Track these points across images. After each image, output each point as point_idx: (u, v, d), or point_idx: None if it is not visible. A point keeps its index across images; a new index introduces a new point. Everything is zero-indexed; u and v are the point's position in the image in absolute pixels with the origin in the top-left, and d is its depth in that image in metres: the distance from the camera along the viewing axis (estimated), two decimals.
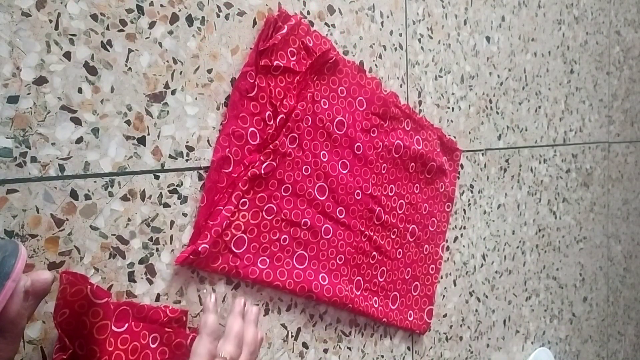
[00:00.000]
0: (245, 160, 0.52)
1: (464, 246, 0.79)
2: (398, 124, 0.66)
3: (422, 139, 0.69)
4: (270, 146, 0.54)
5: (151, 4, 0.47)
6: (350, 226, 0.62)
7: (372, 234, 0.64)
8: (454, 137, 0.76)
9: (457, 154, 0.76)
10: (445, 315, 0.76)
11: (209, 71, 0.51)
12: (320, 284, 0.59)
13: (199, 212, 0.50)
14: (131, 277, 0.47)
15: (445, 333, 0.77)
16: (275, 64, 0.54)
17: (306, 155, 0.57)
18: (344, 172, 0.61)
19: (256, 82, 0.52)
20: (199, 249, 0.49)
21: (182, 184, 0.50)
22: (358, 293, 0.63)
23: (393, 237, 0.67)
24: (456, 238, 0.78)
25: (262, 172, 0.53)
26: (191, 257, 0.49)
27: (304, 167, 0.57)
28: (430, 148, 0.70)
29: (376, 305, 0.65)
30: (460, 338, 0.79)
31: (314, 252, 0.59)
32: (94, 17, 0.44)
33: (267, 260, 0.55)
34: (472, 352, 0.82)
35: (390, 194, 0.66)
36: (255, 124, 0.53)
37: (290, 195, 0.56)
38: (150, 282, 0.48)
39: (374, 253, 0.65)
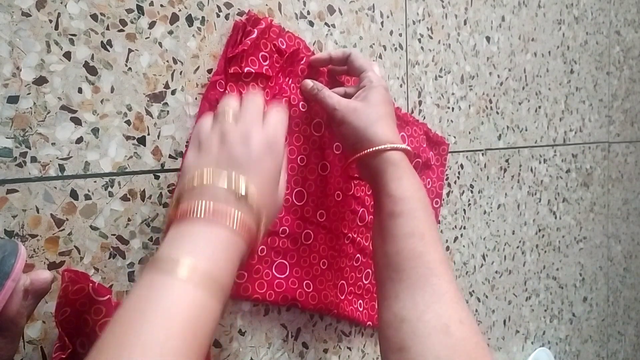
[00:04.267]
0: None
1: (464, 246, 0.79)
2: None
3: (407, 136, 0.67)
4: None
5: (151, 4, 0.47)
6: (331, 229, 0.59)
7: (355, 235, 0.62)
8: (454, 137, 0.76)
9: (444, 148, 0.73)
10: None
11: (209, 71, 0.51)
12: (305, 292, 0.57)
13: (166, 226, 0.47)
14: (131, 277, 0.47)
15: None
16: (246, 71, 0.51)
17: None
18: (324, 174, 0.58)
19: (227, 91, 0.50)
20: None
21: None
22: (342, 297, 0.61)
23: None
24: (456, 238, 0.78)
25: None
26: None
27: None
28: (416, 144, 0.68)
29: (361, 309, 0.63)
30: None
31: (295, 260, 0.57)
32: (94, 17, 0.44)
33: (245, 274, 0.53)
34: None
35: None
36: None
37: None
38: None
39: (358, 255, 0.62)
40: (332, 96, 0.52)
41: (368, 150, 0.49)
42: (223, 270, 0.36)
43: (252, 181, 0.39)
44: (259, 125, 0.43)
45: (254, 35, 0.52)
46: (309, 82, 0.54)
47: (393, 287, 0.44)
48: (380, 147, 0.49)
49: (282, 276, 0.56)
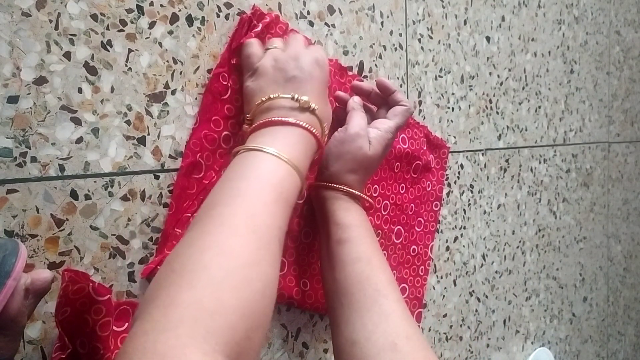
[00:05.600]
0: (216, 165, 0.50)
1: (464, 246, 0.79)
2: None
3: (407, 138, 0.67)
4: None
5: (151, 4, 0.47)
6: None
7: None
8: (454, 137, 0.76)
9: (444, 151, 0.73)
10: (445, 315, 0.76)
11: (209, 71, 0.51)
12: (301, 290, 0.57)
13: (167, 219, 0.48)
14: (131, 277, 0.47)
15: (445, 333, 0.77)
16: None
17: None
18: None
19: (229, 84, 0.50)
20: None
21: None
22: None
23: (377, 239, 0.64)
24: (456, 238, 0.78)
25: None
26: (158, 267, 0.45)
27: None
28: (417, 146, 0.68)
29: None
30: (460, 338, 0.79)
31: (293, 257, 0.57)
32: (94, 17, 0.44)
33: None
34: (472, 352, 0.82)
35: (375, 195, 0.64)
36: (230, 127, 0.51)
37: None
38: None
39: None
40: (363, 118, 0.54)
41: (328, 184, 0.52)
42: (301, 159, 0.42)
43: (309, 95, 0.45)
44: (304, 48, 0.48)
45: (259, 29, 0.52)
46: (357, 100, 0.57)
47: (343, 312, 0.46)
48: (338, 187, 0.52)
49: (280, 273, 0.55)
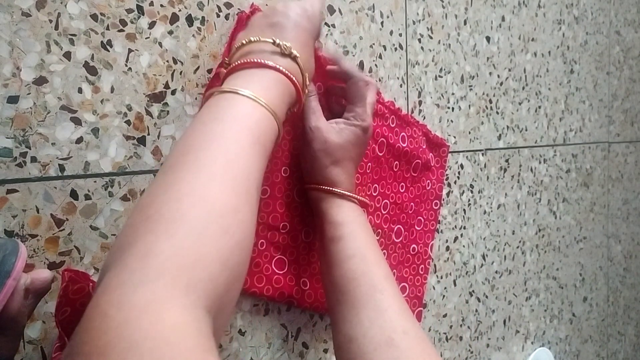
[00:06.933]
0: None
1: (464, 246, 0.79)
2: (383, 120, 0.64)
3: (407, 136, 0.67)
4: None
5: (151, 4, 0.47)
6: None
7: None
8: (454, 137, 0.76)
9: (444, 150, 0.73)
10: (445, 315, 0.76)
11: (209, 71, 0.51)
12: (301, 289, 0.57)
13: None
14: None
15: (445, 333, 0.77)
16: None
17: (286, 156, 0.55)
18: None
19: None
20: None
21: None
22: None
23: (377, 238, 0.64)
24: (456, 238, 0.78)
25: None
26: None
27: (283, 168, 0.55)
28: (416, 145, 0.68)
29: None
30: (460, 338, 0.79)
31: (294, 256, 0.57)
32: (94, 17, 0.44)
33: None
34: (472, 352, 0.82)
35: (374, 194, 0.64)
36: None
37: (269, 198, 0.54)
38: None
39: None
40: (315, 112, 0.52)
41: (317, 186, 0.52)
42: (277, 103, 0.40)
43: (291, 42, 0.43)
44: (296, 1, 0.47)
45: None
46: (312, 86, 0.55)
47: (341, 310, 0.46)
48: (327, 189, 0.52)
49: (281, 272, 0.56)
